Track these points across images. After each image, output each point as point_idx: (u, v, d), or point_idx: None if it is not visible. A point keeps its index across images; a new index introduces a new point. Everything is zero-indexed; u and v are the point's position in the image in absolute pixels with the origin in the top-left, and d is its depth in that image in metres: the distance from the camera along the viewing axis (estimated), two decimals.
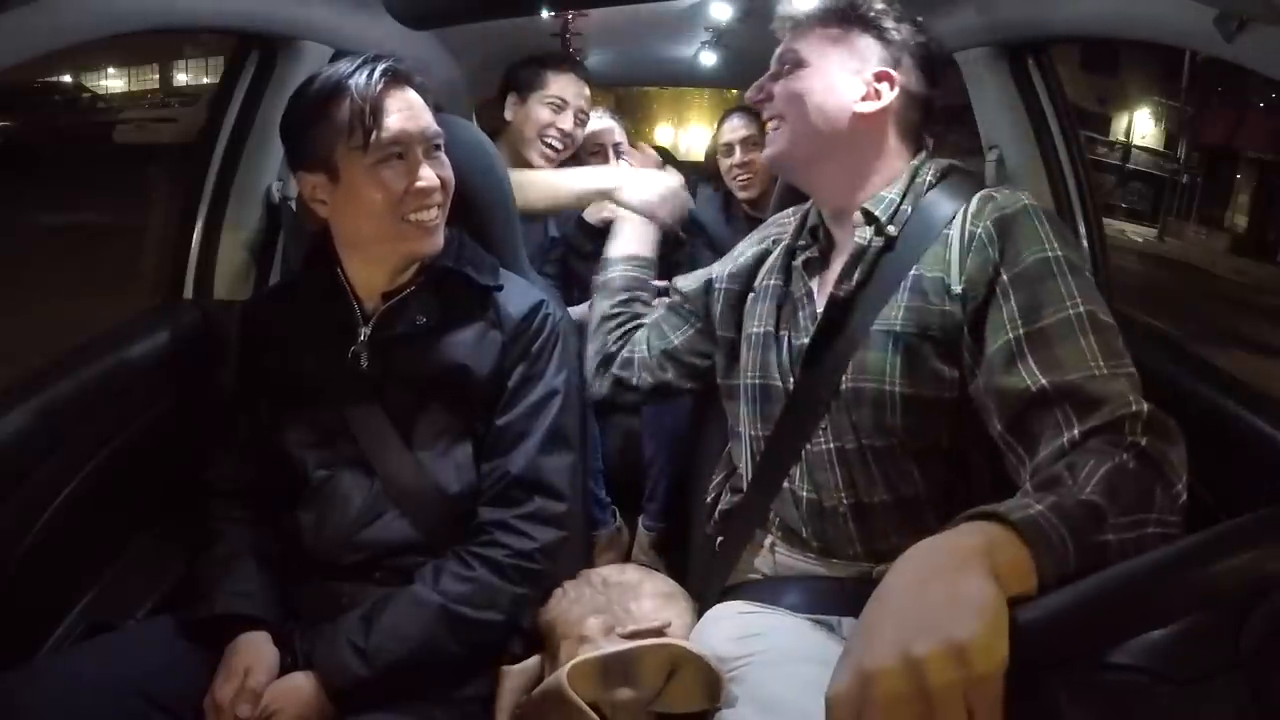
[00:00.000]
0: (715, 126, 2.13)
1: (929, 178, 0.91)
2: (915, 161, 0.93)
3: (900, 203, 0.90)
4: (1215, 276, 9.65)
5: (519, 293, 1.01)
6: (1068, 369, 0.73)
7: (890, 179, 0.92)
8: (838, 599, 0.90)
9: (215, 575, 0.93)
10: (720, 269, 1.09)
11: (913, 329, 0.85)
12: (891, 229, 0.89)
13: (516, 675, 0.95)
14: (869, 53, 0.92)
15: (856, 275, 0.89)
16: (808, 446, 0.91)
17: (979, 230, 0.84)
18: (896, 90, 0.91)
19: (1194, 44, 0.99)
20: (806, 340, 0.92)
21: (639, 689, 0.86)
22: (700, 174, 2.52)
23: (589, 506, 1.52)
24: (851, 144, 0.92)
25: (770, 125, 0.96)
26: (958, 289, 0.83)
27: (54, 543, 0.98)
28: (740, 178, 1.99)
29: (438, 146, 0.94)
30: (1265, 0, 0.82)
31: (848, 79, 0.91)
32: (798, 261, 0.98)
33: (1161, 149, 13.57)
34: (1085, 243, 1.45)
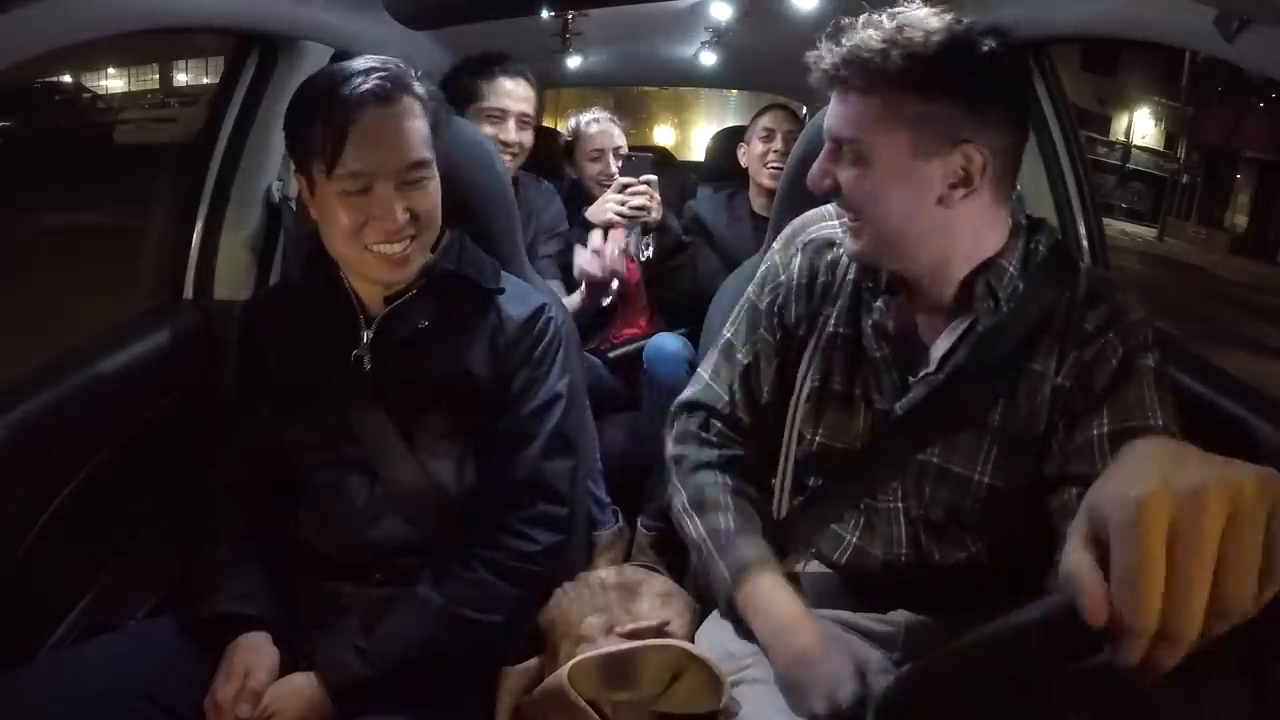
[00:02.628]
0: (750, 120, 2.11)
1: (1041, 250, 0.83)
2: (1026, 228, 0.84)
3: (1017, 277, 0.82)
4: (1215, 276, 9.66)
5: (521, 296, 1.01)
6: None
7: (997, 245, 0.82)
8: (849, 593, 0.90)
9: (215, 575, 0.93)
10: (770, 296, 0.96)
11: (1012, 428, 0.82)
12: (1004, 307, 0.82)
13: (516, 675, 0.95)
14: (952, 125, 0.75)
15: (962, 354, 0.83)
16: (868, 502, 0.89)
17: (1103, 341, 0.79)
18: (988, 158, 0.76)
19: (1194, 44, 0.99)
20: (895, 409, 0.86)
21: (640, 689, 0.86)
22: (701, 174, 2.52)
23: (589, 508, 1.52)
24: (940, 232, 0.80)
25: (848, 216, 0.84)
26: (1060, 382, 0.81)
27: (54, 543, 0.98)
28: (773, 166, 1.93)
29: (418, 176, 0.88)
30: (1265, 0, 0.82)
31: (919, 164, 0.76)
32: (872, 320, 0.88)
33: (1161, 149, 13.59)
34: (1085, 243, 1.45)
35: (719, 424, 0.99)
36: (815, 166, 0.82)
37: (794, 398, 0.94)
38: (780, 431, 0.95)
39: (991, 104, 0.75)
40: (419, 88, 0.90)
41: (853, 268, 0.91)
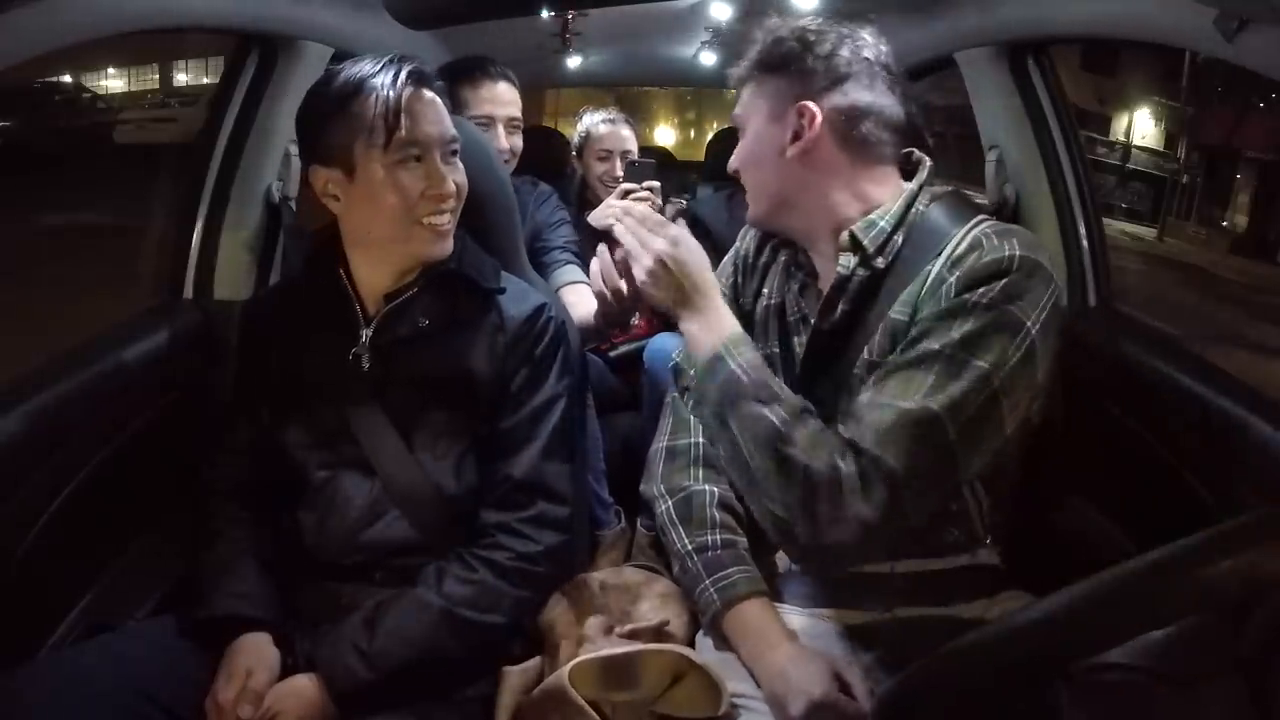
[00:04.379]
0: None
1: (922, 206, 0.87)
2: (912, 185, 0.88)
3: (892, 233, 0.86)
4: (1215, 276, 9.65)
5: (521, 296, 1.01)
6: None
7: (877, 203, 0.88)
8: (850, 591, 0.90)
9: (215, 576, 0.93)
10: (726, 278, 1.04)
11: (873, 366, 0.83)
12: (880, 261, 0.85)
13: (517, 676, 0.95)
14: (785, 91, 0.89)
15: (840, 307, 0.87)
16: None
17: (950, 280, 0.79)
18: (820, 117, 0.86)
19: (1194, 44, 0.99)
20: (797, 363, 0.91)
21: (639, 691, 0.86)
22: (701, 174, 2.52)
23: (591, 508, 1.52)
24: (802, 185, 0.89)
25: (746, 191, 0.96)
26: (896, 318, 0.83)
27: (54, 543, 0.98)
28: None
29: (455, 152, 0.94)
30: (1265, 0, 0.83)
31: (773, 127, 0.90)
32: (793, 286, 0.96)
33: (1161, 149, 13.58)
34: (1085, 243, 1.45)
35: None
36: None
37: None
38: None
39: (820, 72, 0.88)
40: (440, 83, 0.96)
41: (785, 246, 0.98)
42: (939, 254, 0.83)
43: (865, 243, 0.86)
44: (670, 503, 0.95)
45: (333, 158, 0.90)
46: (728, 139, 2.26)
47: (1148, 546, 0.51)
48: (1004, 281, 0.77)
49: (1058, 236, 1.44)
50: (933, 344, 0.77)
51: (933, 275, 0.82)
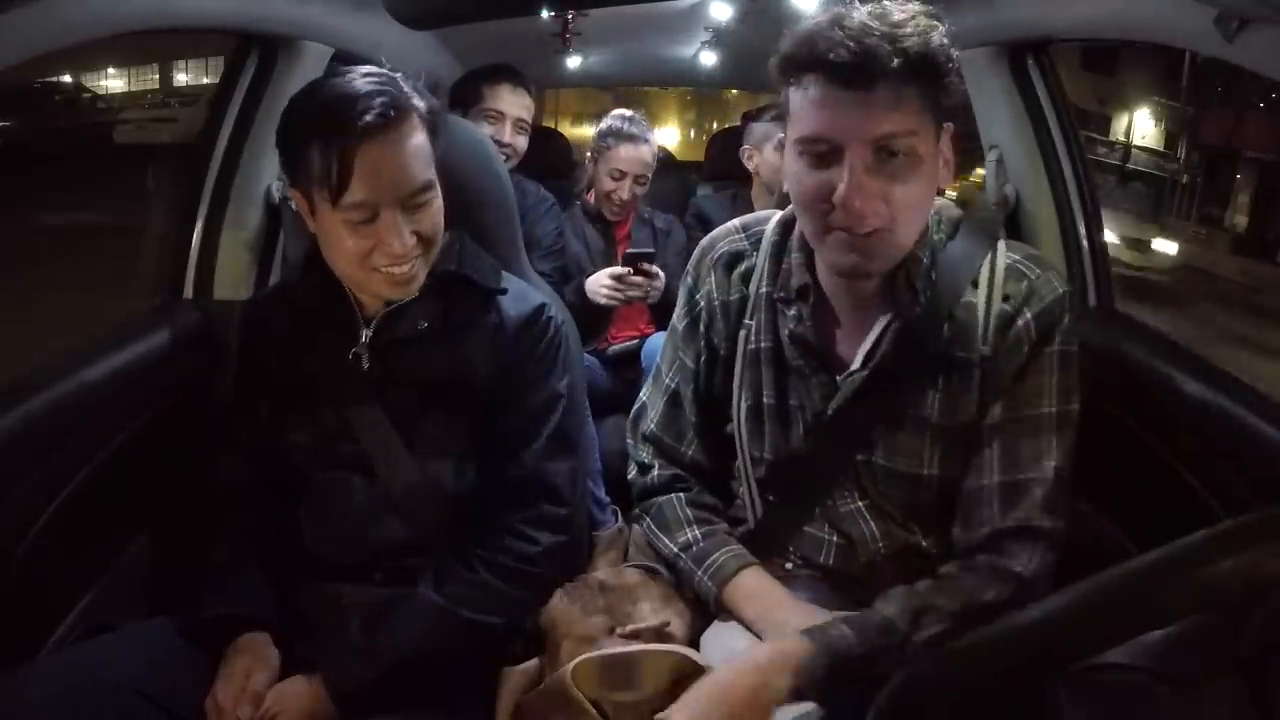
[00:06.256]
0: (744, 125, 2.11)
1: (943, 234, 0.84)
2: (931, 213, 0.83)
3: (930, 267, 0.83)
4: (1215, 276, 9.65)
5: (521, 295, 1.01)
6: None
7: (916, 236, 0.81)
8: (842, 595, 0.89)
9: (216, 576, 0.93)
10: (687, 319, 0.95)
11: (950, 421, 0.83)
12: (923, 297, 0.82)
13: (517, 676, 0.95)
14: (937, 106, 0.76)
15: (888, 349, 0.83)
16: (829, 503, 0.89)
17: (1020, 323, 0.81)
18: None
19: (1194, 44, 0.99)
20: (827, 412, 0.86)
21: (640, 691, 0.86)
22: (701, 174, 2.52)
23: (589, 507, 1.52)
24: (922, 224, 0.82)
25: (854, 231, 0.75)
26: (983, 363, 0.82)
27: (54, 543, 0.98)
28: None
29: (423, 199, 0.86)
30: (1265, 0, 0.82)
31: (932, 151, 0.77)
32: (790, 330, 0.87)
33: (1161, 149, 13.57)
34: (1085, 244, 1.45)
35: (652, 448, 1.00)
36: (860, 188, 0.73)
37: (734, 419, 0.93)
38: (733, 448, 0.95)
39: (956, 85, 0.77)
40: (418, 100, 0.87)
41: (764, 280, 0.90)
42: (973, 284, 0.83)
43: (917, 283, 0.82)
44: (649, 518, 0.98)
45: (297, 187, 0.88)
46: (728, 139, 2.27)
47: (1148, 546, 0.51)
48: (1065, 321, 0.82)
49: (1058, 237, 1.44)
50: (1045, 405, 0.82)
51: (993, 312, 0.82)
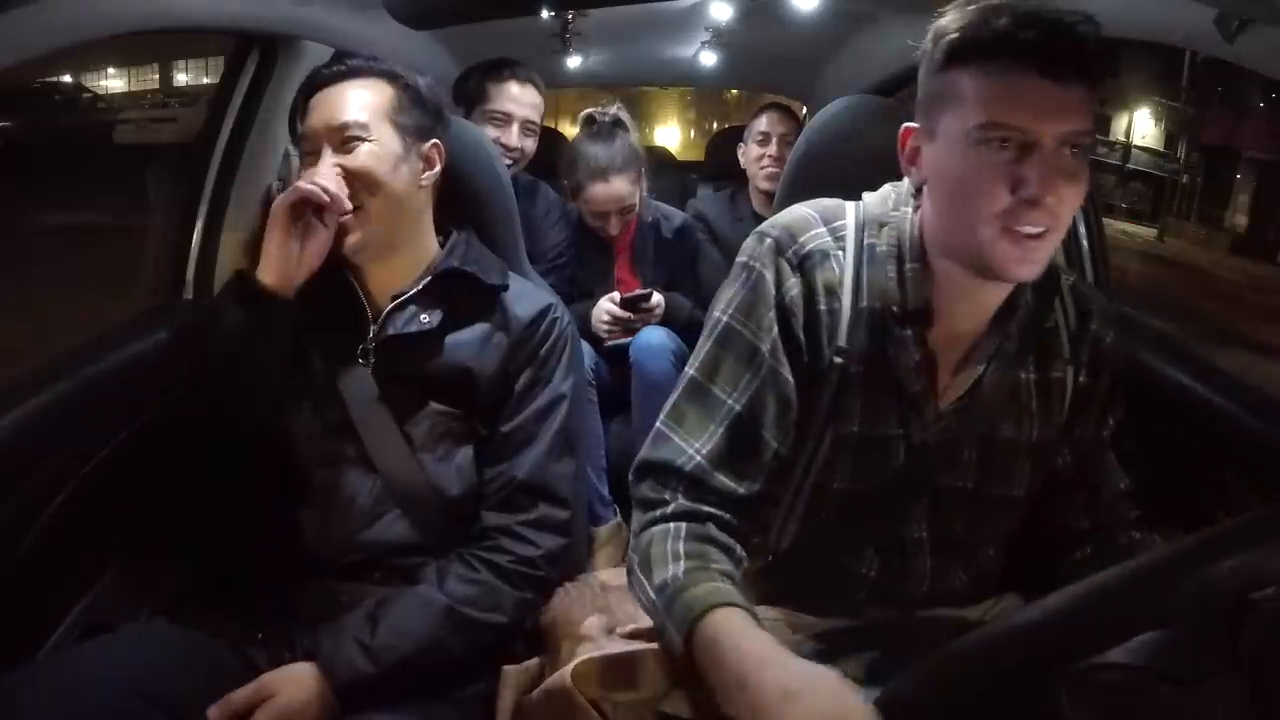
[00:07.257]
0: (750, 118, 2.12)
1: None
2: None
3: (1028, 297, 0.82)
4: (1215, 276, 9.64)
5: (526, 295, 1.01)
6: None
7: None
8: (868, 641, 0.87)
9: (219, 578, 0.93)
10: (770, 325, 0.78)
11: (1047, 443, 0.84)
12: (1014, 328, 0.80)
13: (517, 675, 0.95)
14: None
15: (990, 373, 0.81)
16: (890, 533, 0.85)
17: (1104, 343, 0.85)
18: None
19: (1194, 44, 0.99)
20: (926, 439, 0.81)
21: (641, 691, 0.86)
22: (701, 174, 2.52)
23: (592, 504, 1.53)
24: None
25: (1036, 233, 0.69)
26: (1075, 382, 0.85)
27: (54, 543, 0.98)
28: (768, 169, 1.98)
29: (354, 139, 0.91)
30: (1265, 0, 0.82)
31: None
32: (902, 354, 0.78)
33: (1161, 149, 13.56)
34: (1085, 243, 1.45)
35: (684, 484, 0.78)
36: (1053, 184, 0.67)
37: (809, 448, 0.81)
38: (782, 480, 0.82)
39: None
40: (385, 67, 0.97)
41: (863, 291, 0.78)
42: (1058, 307, 0.84)
43: (1019, 311, 0.80)
44: (636, 559, 0.78)
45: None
46: (728, 139, 2.27)
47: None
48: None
49: None
50: (1119, 416, 0.88)
51: (1077, 329, 0.85)
